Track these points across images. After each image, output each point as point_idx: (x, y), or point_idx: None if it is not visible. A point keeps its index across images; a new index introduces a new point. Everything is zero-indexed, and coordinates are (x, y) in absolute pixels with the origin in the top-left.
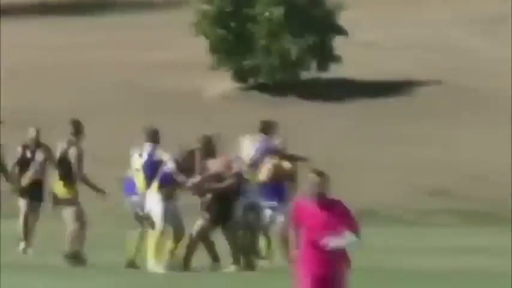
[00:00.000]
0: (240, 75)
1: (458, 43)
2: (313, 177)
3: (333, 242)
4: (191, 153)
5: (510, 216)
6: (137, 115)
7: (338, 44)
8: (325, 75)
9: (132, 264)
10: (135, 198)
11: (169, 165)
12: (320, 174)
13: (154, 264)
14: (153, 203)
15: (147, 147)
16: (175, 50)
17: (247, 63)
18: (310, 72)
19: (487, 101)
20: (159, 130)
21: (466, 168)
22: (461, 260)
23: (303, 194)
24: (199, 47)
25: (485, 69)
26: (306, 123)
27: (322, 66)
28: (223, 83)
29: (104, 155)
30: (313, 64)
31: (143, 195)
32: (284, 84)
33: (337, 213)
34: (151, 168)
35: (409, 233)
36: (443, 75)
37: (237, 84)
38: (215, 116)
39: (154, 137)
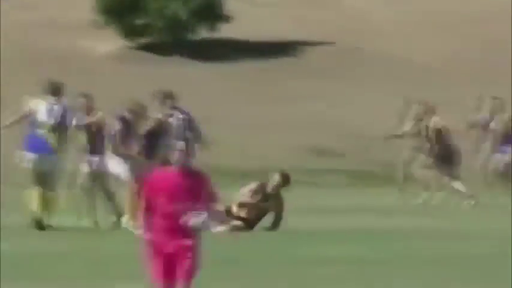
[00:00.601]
0: (128, 35)
1: (347, 3)
2: (176, 144)
3: (193, 220)
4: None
5: (398, 176)
6: (24, 76)
7: (229, 4)
8: (215, 35)
9: (39, 225)
10: (31, 155)
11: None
12: (185, 141)
13: (127, 220)
14: (114, 164)
15: (52, 100)
16: (60, 9)
17: (136, 23)
18: (200, 33)
19: (373, 61)
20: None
21: (354, 128)
22: (351, 220)
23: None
24: (86, 6)
25: (371, 29)
26: (194, 83)
27: (212, 26)
28: (111, 42)
29: None
30: (203, 24)
31: (54, 151)
32: (172, 44)
33: (196, 184)
34: (63, 121)
35: (298, 193)
36: (332, 35)
37: (126, 44)
38: (102, 76)
39: (58, 91)
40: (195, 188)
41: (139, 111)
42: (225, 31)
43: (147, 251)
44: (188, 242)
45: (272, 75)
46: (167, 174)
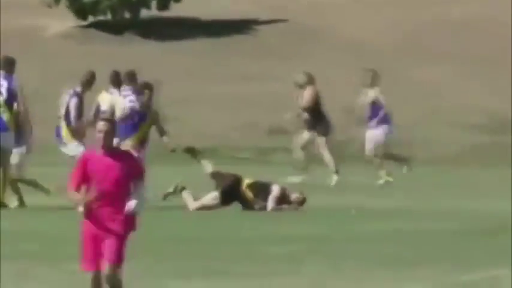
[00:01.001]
0: (79, 13)
1: None
2: (101, 126)
3: (136, 206)
4: None
5: (357, 153)
6: None
7: None
8: (166, 14)
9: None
10: None
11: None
12: (108, 121)
13: None
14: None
15: (5, 77)
16: None
17: (85, 0)
18: (151, 11)
19: (327, 39)
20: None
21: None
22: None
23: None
24: None
25: (325, 7)
26: (146, 62)
27: (163, 4)
28: (62, 21)
29: None
30: (154, 3)
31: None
32: (124, 22)
33: (126, 165)
34: (12, 98)
35: (250, 171)
36: (286, 14)
37: (78, 23)
38: (55, 55)
39: (11, 67)
40: (124, 169)
41: (90, 79)
42: (176, 9)
43: (82, 231)
44: (117, 225)
45: (225, 54)
46: (95, 156)
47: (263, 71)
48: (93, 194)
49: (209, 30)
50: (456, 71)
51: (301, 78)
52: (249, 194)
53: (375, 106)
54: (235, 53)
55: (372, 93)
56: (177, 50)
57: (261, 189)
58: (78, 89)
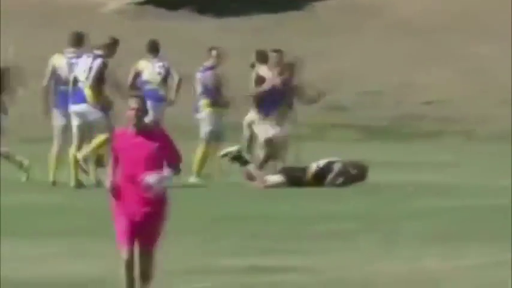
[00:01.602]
0: None
1: None
2: (132, 102)
3: (152, 181)
4: None
5: (405, 131)
6: (32, 30)
7: None
8: None
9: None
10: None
11: None
12: (139, 98)
13: None
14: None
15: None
16: None
17: None
18: None
19: (381, 16)
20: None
21: (360, 83)
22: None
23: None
24: None
25: None
26: (200, 38)
27: None
28: None
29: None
30: None
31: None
32: None
33: (158, 145)
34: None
35: (307, 148)
36: None
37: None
38: (111, 31)
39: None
40: (155, 148)
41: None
42: None
43: (113, 210)
44: (149, 207)
45: (281, 31)
46: (125, 135)
47: (318, 48)
48: (121, 173)
49: (265, 7)
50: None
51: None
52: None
53: None
54: (291, 29)
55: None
56: (233, 26)
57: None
58: (99, 52)
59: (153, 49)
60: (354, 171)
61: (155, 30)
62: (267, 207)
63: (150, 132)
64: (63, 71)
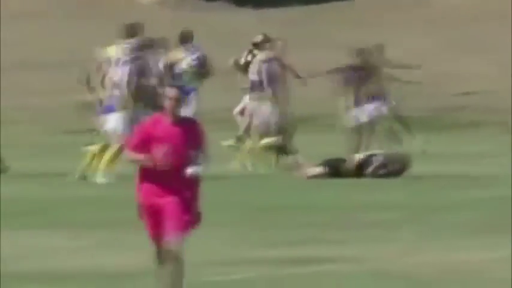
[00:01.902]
0: None
1: None
2: (171, 92)
3: (192, 169)
4: None
5: (445, 121)
6: (69, 20)
7: None
8: None
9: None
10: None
11: None
12: (177, 88)
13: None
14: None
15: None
16: None
17: None
18: None
19: (425, 7)
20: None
21: (402, 73)
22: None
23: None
24: None
25: None
26: (241, 30)
27: None
28: None
29: (38, 60)
30: None
31: None
32: None
33: (190, 134)
34: None
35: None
36: None
37: None
38: (149, 21)
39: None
40: (189, 138)
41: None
42: None
43: (140, 203)
44: (185, 193)
45: (320, 22)
46: (159, 124)
47: (359, 39)
48: (152, 159)
49: None
50: None
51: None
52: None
53: None
54: (331, 21)
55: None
56: (271, 17)
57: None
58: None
59: (185, 40)
60: (395, 164)
61: (194, 22)
62: (308, 198)
63: (185, 123)
64: None
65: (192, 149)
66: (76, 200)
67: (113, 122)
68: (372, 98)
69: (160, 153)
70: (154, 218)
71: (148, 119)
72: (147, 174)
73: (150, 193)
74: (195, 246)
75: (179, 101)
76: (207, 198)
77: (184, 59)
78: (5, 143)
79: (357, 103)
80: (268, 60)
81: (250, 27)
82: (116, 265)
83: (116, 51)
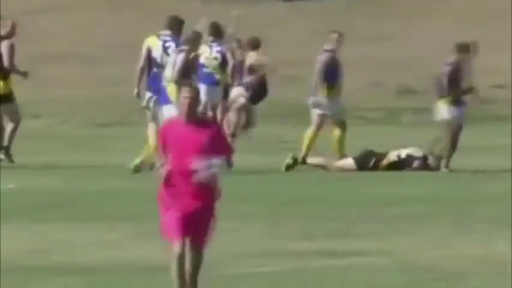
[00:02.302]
0: None
1: None
2: (186, 92)
3: (199, 165)
4: None
5: (476, 114)
6: (100, 12)
7: None
8: None
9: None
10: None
11: None
12: (193, 88)
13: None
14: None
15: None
16: None
17: None
18: None
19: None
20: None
21: (432, 66)
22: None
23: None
24: None
25: None
26: (270, 22)
27: None
28: None
29: (72, 52)
30: None
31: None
32: None
33: (209, 136)
34: None
35: (377, 131)
36: None
37: None
38: (179, 14)
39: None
40: (206, 140)
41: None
42: None
43: (162, 201)
44: (200, 201)
45: (350, 15)
46: (175, 126)
47: (388, 32)
48: (170, 165)
49: None
50: None
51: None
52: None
53: None
54: (361, 13)
55: None
56: (303, 10)
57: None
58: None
59: (215, 32)
60: (432, 164)
61: (224, 14)
62: (337, 190)
63: (201, 123)
64: (158, 53)
65: (211, 150)
66: (106, 192)
67: (167, 113)
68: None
69: (175, 156)
70: (177, 220)
71: (164, 122)
72: (168, 177)
73: (173, 195)
74: (225, 239)
75: (195, 100)
76: (234, 192)
77: (207, 52)
78: (42, 134)
79: (457, 102)
80: (323, 53)
81: (280, 20)
82: (147, 258)
83: (156, 42)
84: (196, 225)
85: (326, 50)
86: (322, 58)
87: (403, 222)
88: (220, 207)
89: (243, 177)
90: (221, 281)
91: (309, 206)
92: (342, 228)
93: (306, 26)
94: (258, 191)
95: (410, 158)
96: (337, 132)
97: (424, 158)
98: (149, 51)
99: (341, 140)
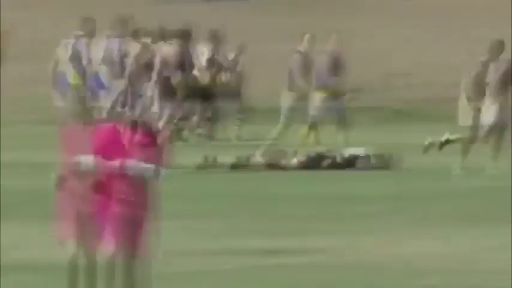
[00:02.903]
0: None
1: None
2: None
3: (129, 165)
4: None
5: (434, 112)
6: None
7: None
8: None
9: None
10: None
11: None
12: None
13: None
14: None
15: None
16: None
17: None
18: None
19: None
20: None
21: (376, 64)
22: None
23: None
24: None
25: None
26: (226, 22)
27: None
28: None
29: None
30: None
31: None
32: None
33: (146, 142)
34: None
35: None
36: None
37: None
38: (183, 15)
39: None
40: (143, 146)
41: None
42: None
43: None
44: (132, 207)
45: (313, 11)
46: (112, 130)
47: (353, 28)
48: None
49: None
50: None
51: None
52: None
53: None
54: (322, 9)
55: None
56: (263, 8)
57: None
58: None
59: (213, 39)
60: (376, 164)
61: (226, 16)
62: (295, 189)
63: (140, 129)
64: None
65: (145, 157)
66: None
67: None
68: None
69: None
70: (108, 224)
71: (97, 125)
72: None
73: (104, 200)
74: (176, 237)
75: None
76: (184, 189)
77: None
78: None
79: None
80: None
81: (241, 18)
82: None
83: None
84: (129, 230)
85: (299, 51)
86: (294, 59)
87: (364, 219)
88: (177, 205)
89: (200, 174)
90: (160, 281)
91: (269, 203)
92: (302, 226)
93: (267, 24)
94: (219, 188)
95: (354, 158)
96: (305, 129)
97: (368, 160)
98: None
99: (304, 137)
